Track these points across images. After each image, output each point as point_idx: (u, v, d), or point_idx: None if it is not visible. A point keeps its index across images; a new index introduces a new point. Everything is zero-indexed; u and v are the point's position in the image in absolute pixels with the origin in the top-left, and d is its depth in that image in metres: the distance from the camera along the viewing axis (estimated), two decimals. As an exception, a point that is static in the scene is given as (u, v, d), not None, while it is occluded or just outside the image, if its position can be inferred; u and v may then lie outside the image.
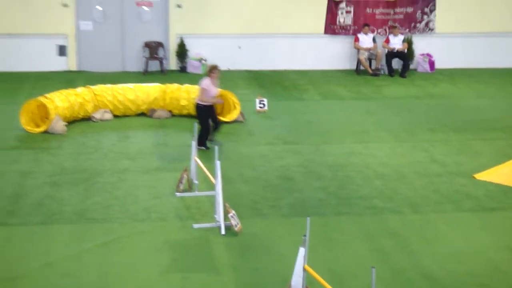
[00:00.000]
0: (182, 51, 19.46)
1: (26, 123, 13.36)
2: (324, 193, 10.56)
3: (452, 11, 20.53)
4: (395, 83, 18.87)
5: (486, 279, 8.00)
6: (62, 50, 19.19)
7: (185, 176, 10.35)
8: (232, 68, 19.49)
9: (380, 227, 9.37)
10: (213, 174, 9.22)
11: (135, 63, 19.48)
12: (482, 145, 13.08)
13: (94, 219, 9.47)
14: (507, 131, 13.99)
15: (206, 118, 12.36)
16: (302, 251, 6.93)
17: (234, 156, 12.09)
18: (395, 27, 20.09)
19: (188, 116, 14.50)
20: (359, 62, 20.04)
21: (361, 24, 20.12)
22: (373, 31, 20.23)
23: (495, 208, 10.16)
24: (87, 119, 14.26)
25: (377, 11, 20.40)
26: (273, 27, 19.87)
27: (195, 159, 10.24)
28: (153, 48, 19.43)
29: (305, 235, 6.85)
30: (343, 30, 20.31)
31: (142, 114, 14.72)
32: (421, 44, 20.47)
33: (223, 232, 8.96)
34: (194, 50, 19.56)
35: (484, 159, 12.23)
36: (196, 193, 10.27)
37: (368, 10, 20.34)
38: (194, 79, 17.50)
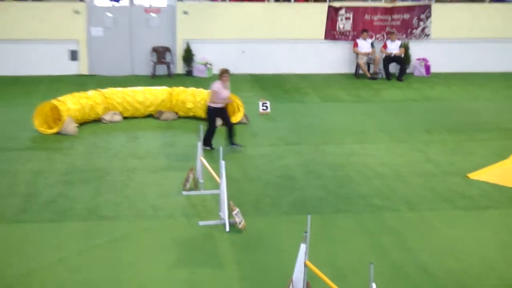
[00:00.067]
0: (188, 56, 19.48)
1: (39, 124, 13.38)
2: (324, 191, 10.55)
3: (447, 18, 20.57)
4: (392, 86, 18.88)
5: (480, 275, 7.98)
6: (74, 55, 19.23)
7: (191, 175, 10.34)
8: (236, 72, 19.43)
9: (379, 224, 9.35)
10: (218, 173, 9.22)
11: (144, 67, 19.52)
12: (475, 146, 13.06)
13: (104, 216, 9.47)
14: (499, 133, 13.98)
15: (215, 120, 12.31)
16: (303, 247, 6.91)
17: (238, 156, 12.08)
18: (393, 33, 20.11)
19: (194, 118, 14.52)
20: (358, 66, 20.05)
21: (360, 30, 20.15)
22: (371, 37, 20.26)
23: (488, 206, 10.14)
24: (98, 120, 14.27)
25: (375, 17, 20.42)
26: (275, 32, 19.90)
27: (201, 159, 10.24)
28: (161, 53, 19.45)
29: (306, 232, 6.84)
30: (343, 35, 20.32)
31: (150, 116, 14.73)
32: (418, 49, 20.51)
33: (227, 229, 8.96)
34: (200, 54, 19.59)
35: (478, 159, 12.21)
36: (202, 192, 10.27)
37: (367, 17, 20.36)
38: (199, 82, 17.56)
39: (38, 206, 9.75)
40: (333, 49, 20.39)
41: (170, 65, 19.43)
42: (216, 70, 19.42)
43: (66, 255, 8.25)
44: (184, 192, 10.28)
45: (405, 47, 20.15)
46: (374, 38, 20.35)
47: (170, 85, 15.35)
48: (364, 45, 19.99)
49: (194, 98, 14.48)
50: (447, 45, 20.70)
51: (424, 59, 20.43)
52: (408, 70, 20.24)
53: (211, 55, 19.65)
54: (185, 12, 19.46)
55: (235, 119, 14.12)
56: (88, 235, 8.82)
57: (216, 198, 9.56)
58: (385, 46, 19.99)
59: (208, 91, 14.50)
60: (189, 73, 19.59)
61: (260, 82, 18.61)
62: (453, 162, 12.04)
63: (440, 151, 12.71)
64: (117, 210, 9.68)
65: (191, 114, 14.60)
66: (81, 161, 11.77)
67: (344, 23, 20.25)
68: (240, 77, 18.90)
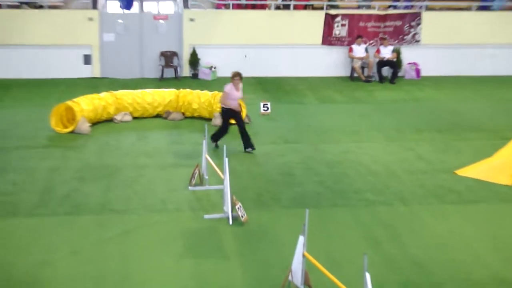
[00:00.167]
0: (194, 60, 19.49)
1: (55, 124, 13.39)
2: (321, 187, 10.53)
3: (436, 25, 20.58)
4: (385, 88, 18.87)
5: (467, 265, 7.97)
6: (87, 59, 19.23)
7: (197, 171, 10.33)
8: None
9: (372, 218, 9.34)
10: (222, 170, 9.21)
11: (152, 71, 19.54)
12: (463, 144, 13.05)
13: (116, 210, 9.46)
14: (485, 132, 13.97)
15: (227, 120, 12.17)
16: (301, 239, 6.92)
17: (241, 154, 12.07)
18: (385, 38, 20.11)
19: (199, 118, 14.53)
20: (353, 70, 20.05)
21: (354, 36, 20.15)
22: (365, 42, 20.25)
23: (474, 201, 10.12)
24: (109, 120, 14.28)
25: (369, 24, 20.42)
26: (276, 38, 19.90)
27: (206, 157, 10.23)
28: (168, 57, 19.46)
29: (304, 225, 6.84)
30: (339, 41, 20.31)
31: (158, 116, 14.74)
32: (409, 54, 20.50)
33: (230, 222, 8.95)
34: (205, 58, 19.60)
35: (465, 157, 12.19)
36: (207, 187, 10.26)
37: (361, 24, 20.36)
38: (204, 85, 17.57)
39: (54, 201, 9.75)
40: (329, 53, 20.39)
41: (177, 68, 19.44)
42: (220, 74, 19.53)
43: (80, 247, 8.25)
44: (190, 188, 10.27)
45: (397, 52, 20.13)
46: (368, 43, 20.35)
47: (177, 87, 15.35)
48: (359, 50, 19.99)
49: (199, 100, 14.49)
50: (436, 50, 20.70)
51: (414, 63, 20.42)
52: (399, 74, 20.22)
53: (216, 59, 19.65)
54: (192, 19, 19.47)
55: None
56: (101, 228, 8.82)
57: (220, 193, 9.56)
58: (378, 51, 20.00)
59: (212, 93, 14.57)
60: (195, 76, 19.59)
61: (261, 85, 18.59)
62: (442, 160, 12.03)
63: (429, 149, 12.70)
64: (127, 204, 9.68)
65: (196, 114, 14.61)
66: (94, 159, 11.77)
67: (340, 30, 20.24)
68: (243, 80, 18.78)
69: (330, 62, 20.37)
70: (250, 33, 19.78)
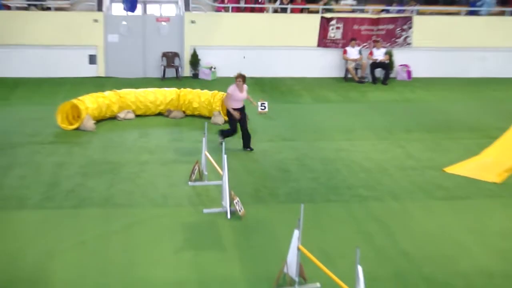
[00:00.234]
0: (195, 60, 19.46)
1: (61, 121, 13.38)
2: (316, 183, 10.55)
3: (426, 28, 20.58)
4: (377, 89, 18.87)
5: (454, 258, 8.01)
6: (92, 59, 19.21)
7: (196, 167, 10.34)
8: (238, 75, 19.47)
9: (364, 212, 9.36)
10: (221, 166, 9.22)
11: (155, 70, 19.51)
12: (451, 143, 13.06)
13: (119, 204, 9.47)
14: (472, 131, 13.98)
15: (234, 121, 11.98)
16: (296, 233, 6.93)
17: (239, 151, 12.07)
18: (378, 41, 20.10)
19: (199, 116, 14.52)
20: (347, 71, 20.05)
21: (349, 39, 20.14)
22: (359, 45, 20.24)
23: (462, 197, 10.15)
24: (113, 118, 14.27)
25: (363, 27, 20.41)
26: (273, 40, 19.89)
27: (205, 153, 10.24)
28: (170, 58, 19.44)
29: (299, 219, 6.85)
30: (334, 43, 20.30)
31: (160, 114, 14.73)
32: (400, 56, 20.49)
33: (229, 216, 8.96)
34: (205, 59, 19.57)
35: (453, 155, 12.21)
36: (206, 182, 10.26)
37: (355, 27, 20.34)
38: (204, 84, 17.55)
39: (60, 195, 9.75)
40: (325, 55, 20.37)
41: (178, 68, 19.41)
42: (219, 74, 19.53)
43: (85, 239, 8.26)
44: (190, 183, 10.28)
45: (389, 54, 20.13)
46: (361, 46, 20.33)
47: (178, 87, 15.34)
48: (353, 52, 19.99)
49: (200, 99, 14.49)
50: (426, 53, 20.70)
51: (406, 65, 20.42)
52: (391, 75, 20.22)
53: (215, 60, 19.63)
54: (192, 21, 19.45)
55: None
56: (105, 220, 8.83)
57: (219, 188, 9.56)
58: (371, 53, 20.00)
59: (212, 92, 14.56)
60: (195, 76, 19.58)
61: (259, 85, 18.57)
62: (431, 158, 12.05)
63: (420, 147, 12.71)
64: (130, 198, 9.68)
65: (196, 113, 14.61)
66: (98, 155, 11.77)
67: (335, 32, 20.23)
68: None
69: (325, 64, 20.36)
70: (249, 35, 19.77)
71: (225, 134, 12.13)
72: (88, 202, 9.49)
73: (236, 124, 12.03)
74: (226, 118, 13.98)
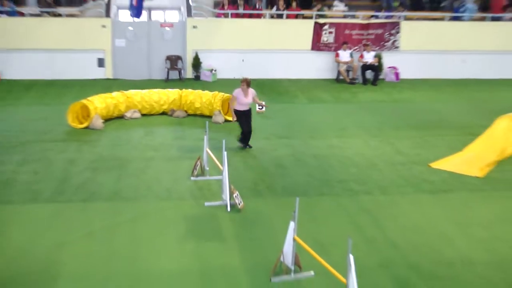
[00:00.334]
0: (196, 63, 19.45)
1: (72, 120, 13.36)
2: (310, 178, 10.54)
3: (413, 33, 20.59)
4: (368, 90, 18.86)
5: (439, 247, 8.01)
6: (101, 62, 19.18)
7: (198, 163, 10.33)
8: (237, 77, 19.41)
9: (355, 205, 9.35)
10: (221, 162, 9.21)
11: (159, 73, 19.49)
12: (436, 140, 13.06)
13: (126, 197, 9.46)
14: (456, 129, 13.98)
15: (243, 122, 11.88)
16: (292, 224, 6.93)
17: (238, 148, 12.06)
18: (368, 45, 20.10)
19: (201, 115, 14.51)
20: (339, 73, 20.04)
21: (340, 43, 20.13)
22: (350, 48, 20.23)
23: (446, 190, 10.14)
24: (120, 117, 14.25)
25: (354, 32, 20.40)
26: (270, 44, 19.88)
27: (207, 150, 10.22)
28: (173, 61, 19.42)
29: (294, 212, 6.84)
30: (326, 47, 20.29)
31: (164, 114, 14.71)
32: (389, 59, 20.50)
33: (228, 209, 8.96)
34: (206, 62, 19.56)
35: (438, 151, 12.21)
36: (207, 177, 10.26)
37: (347, 31, 20.33)
38: (206, 85, 17.54)
39: (70, 189, 9.74)
40: (318, 58, 20.36)
41: (181, 71, 19.40)
42: (219, 76, 19.53)
43: (94, 230, 8.26)
44: (193, 178, 10.27)
45: (379, 57, 20.13)
46: (352, 49, 20.33)
47: (180, 88, 15.32)
48: (344, 55, 19.98)
49: (201, 99, 14.48)
50: (413, 56, 20.70)
51: (394, 67, 20.42)
52: (381, 77, 20.23)
53: (216, 63, 19.61)
54: (194, 27, 19.43)
55: (232, 118, 14.10)
56: (112, 213, 8.82)
57: (219, 183, 9.55)
58: (362, 56, 19.99)
59: (212, 93, 14.54)
60: (197, 77, 19.56)
61: (257, 86, 18.47)
62: (418, 154, 12.04)
63: (407, 144, 12.71)
64: (136, 192, 9.67)
65: (198, 112, 14.59)
66: (106, 152, 11.75)
67: (327, 37, 20.22)
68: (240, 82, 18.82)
69: (318, 66, 20.35)
70: (247, 40, 19.75)
71: (242, 140, 12.03)
72: (96, 196, 9.47)
73: (243, 123, 11.89)
74: (227, 118, 14.00)
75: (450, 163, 11.39)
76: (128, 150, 11.85)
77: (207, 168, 10.33)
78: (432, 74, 20.81)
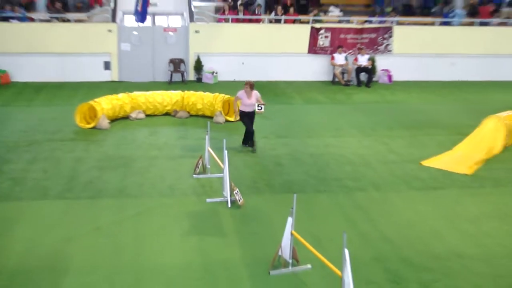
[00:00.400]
0: (198, 66, 19.45)
1: (79, 121, 13.36)
2: (306, 175, 10.54)
3: (405, 37, 20.62)
4: (362, 91, 18.86)
5: (429, 241, 8.02)
6: (107, 65, 19.17)
7: (200, 162, 10.33)
8: (237, 79, 19.47)
9: (350, 202, 9.35)
10: (222, 160, 9.20)
11: (163, 75, 19.49)
12: (427, 139, 13.07)
13: (131, 194, 9.45)
14: (446, 129, 13.99)
15: (246, 122, 11.80)
16: (290, 220, 6.93)
17: (238, 147, 12.06)
18: (362, 48, 20.11)
19: (203, 116, 14.50)
20: (334, 75, 20.04)
21: (336, 46, 20.14)
22: (345, 52, 20.24)
23: (436, 187, 10.15)
24: (126, 118, 14.25)
25: (349, 36, 20.40)
26: (269, 48, 19.89)
27: (208, 149, 10.22)
28: (176, 64, 19.41)
29: (292, 208, 6.84)
30: (322, 50, 20.29)
31: (167, 114, 14.70)
32: (382, 62, 20.51)
33: (229, 205, 8.96)
34: (208, 65, 19.56)
35: (429, 150, 12.22)
36: (209, 175, 10.25)
37: (342, 36, 20.34)
38: (207, 87, 17.55)
39: (78, 186, 9.74)
40: (314, 61, 20.37)
41: (184, 73, 19.40)
42: (220, 78, 19.53)
43: (101, 225, 8.26)
44: (195, 175, 10.27)
45: (372, 60, 20.14)
46: (347, 52, 20.33)
47: (183, 90, 15.32)
48: (340, 58, 19.98)
49: (203, 101, 14.47)
50: (405, 59, 20.72)
51: (387, 70, 20.43)
52: (374, 79, 20.25)
53: (217, 66, 19.62)
54: (196, 31, 19.42)
55: (236, 117, 14.11)
56: (118, 209, 8.82)
57: (220, 180, 9.55)
58: (356, 59, 20.00)
59: (213, 95, 14.53)
60: (199, 80, 19.56)
61: (256, 88, 18.45)
62: (410, 152, 12.04)
63: (399, 143, 12.71)
64: (141, 189, 9.67)
65: (200, 113, 14.59)
66: (113, 151, 11.75)
67: (323, 41, 20.22)
68: (240, 83, 18.71)
69: (314, 69, 20.36)
70: (247, 43, 19.75)
71: (245, 140, 11.98)
72: (103, 193, 9.47)
73: (248, 124, 11.78)
74: (227, 118, 14.02)
75: (440, 162, 11.39)
76: (133, 149, 11.85)
77: (209, 166, 10.33)
78: (423, 76, 20.84)
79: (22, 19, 18.86)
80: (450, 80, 20.85)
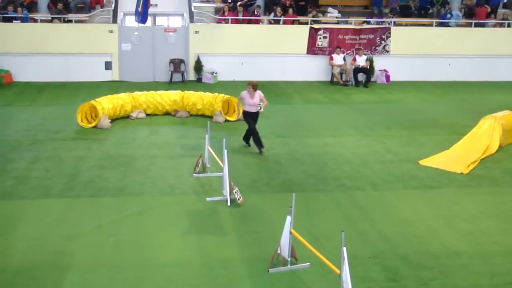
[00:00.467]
0: (198, 66, 19.43)
1: (80, 120, 13.36)
2: (305, 174, 10.54)
3: (402, 38, 20.61)
4: (360, 91, 18.86)
5: (426, 239, 8.03)
6: (108, 65, 19.16)
7: (200, 161, 10.33)
8: (236, 79, 19.47)
9: (348, 200, 9.36)
10: (222, 159, 9.21)
11: (163, 75, 19.48)
12: (424, 139, 13.07)
13: (132, 193, 9.46)
14: (443, 128, 14.00)
15: (249, 121, 11.67)
16: (288, 218, 6.94)
17: (237, 146, 12.06)
18: (360, 49, 20.10)
19: (202, 116, 14.50)
20: (333, 75, 20.04)
21: (334, 47, 20.13)
22: (343, 52, 20.23)
23: (433, 186, 10.16)
24: (126, 117, 14.24)
25: (347, 37, 20.39)
26: (268, 48, 19.87)
27: (208, 148, 10.23)
28: (176, 64, 19.40)
29: (291, 207, 6.85)
30: (321, 51, 20.28)
31: (168, 114, 14.70)
32: (380, 62, 20.50)
33: (229, 204, 8.96)
34: (208, 65, 19.55)
35: (426, 149, 12.22)
36: (209, 174, 10.25)
37: (340, 36, 20.33)
38: (207, 87, 17.55)
39: (80, 185, 9.74)
40: (313, 61, 20.36)
41: (184, 73, 19.39)
42: (220, 78, 19.53)
43: (102, 223, 8.26)
44: (195, 174, 10.27)
45: (370, 61, 20.13)
46: (345, 53, 20.32)
47: (183, 90, 15.31)
48: (338, 58, 19.97)
49: (202, 101, 14.46)
50: (403, 59, 20.71)
51: (385, 70, 20.42)
52: (372, 79, 20.23)
53: (217, 66, 19.60)
54: (196, 32, 19.41)
55: (234, 117, 14.13)
56: (119, 207, 8.82)
57: (220, 179, 9.55)
58: (354, 60, 19.99)
59: (213, 95, 14.52)
60: (199, 80, 19.54)
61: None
62: (407, 152, 12.05)
63: (397, 143, 12.71)
64: (141, 188, 9.67)
65: (200, 113, 14.58)
66: (113, 150, 11.75)
67: (322, 41, 20.21)
68: (240, 83, 18.76)
69: (313, 69, 20.34)
70: (246, 44, 19.74)
71: (247, 137, 11.94)
72: (104, 192, 9.47)
73: (250, 123, 11.66)
74: (227, 118, 14.02)
75: (437, 161, 11.40)
76: (134, 148, 11.85)
77: (209, 166, 10.33)
78: (421, 76, 20.83)
79: (24, 19, 18.85)
80: (447, 80, 20.86)
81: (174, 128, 13.58)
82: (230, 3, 20.79)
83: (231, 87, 17.83)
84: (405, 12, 22.13)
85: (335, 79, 19.96)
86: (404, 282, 6.91)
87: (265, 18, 20.38)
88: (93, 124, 13.27)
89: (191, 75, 19.63)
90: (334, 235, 7.78)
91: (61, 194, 9.32)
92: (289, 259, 7.04)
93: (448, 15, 21.38)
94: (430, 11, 22.70)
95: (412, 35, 20.70)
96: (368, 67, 19.91)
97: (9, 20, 18.70)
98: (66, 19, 19.20)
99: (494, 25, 21.76)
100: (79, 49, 18.79)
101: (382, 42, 20.53)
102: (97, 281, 6.75)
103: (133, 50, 19.24)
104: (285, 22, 20.23)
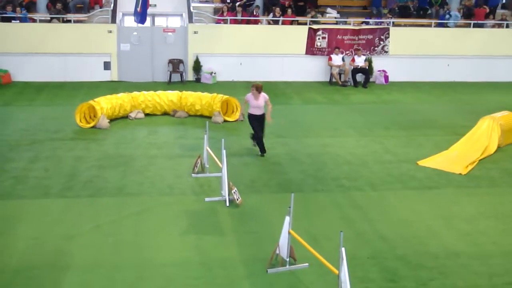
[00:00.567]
0: (197, 66, 19.43)
1: (79, 120, 13.35)
2: (304, 175, 10.54)
3: (401, 38, 20.62)
4: (359, 92, 18.87)
5: (425, 239, 8.03)
6: (107, 65, 19.15)
7: (199, 161, 10.33)
8: (235, 79, 19.48)
9: (347, 201, 9.36)
10: (221, 160, 9.21)
11: (162, 75, 19.47)
12: (423, 139, 13.08)
13: (131, 193, 9.45)
14: (442, 129, 14.00)
15: (253, 124, 11.47)
16: (287, 219, 6.94)
17: (236, 147, 12.06)
18: (359, 49, 20.11)
19: (201, 116, 14.49)
20: (331, 76, 20.04)
21: (333, 47, 20.13)
22: (342, 53, 20.24)
23: (432, 186, 10.17)
24: (125, 117, 14.23)
25: (346, 37, 20.40)
26: (267, 48, 19.87)
27: (207, 149, 10.22)
28: (175, 64, 19.40)
29: (290, 207, 6.85)
30: (320, 51, 20.28)
31: (166, 114, 14.69)
32: (378, 63, 20.50)
33: (227, 204, 8.96)
34: (207, 65, 19.54)
35: (425, 150, 12.23)
36: (207, 174, 10.25)
37: (339, 37, 20.33)
38: (206, 87, 17.54)
39: (78, 185, 9.73)
40: (312, 62, 20.36)
41: (183, 73, 19.38)
42: (219, 78, 19.52)
43: (101, 223, 8.26)
44: (193, 175, 10.27)
45: (369, 61, 20.13)
46: (344, 53, 20.33)
47: (182, 90, 15.30)
48: (337, 59, 19.98)
49: (201, 102, 14.44)
50: (401, 60, 20.72)
51: (383, 71, 20.43)
52: (371, 79, 20.24)
53: (216, 66, 19.60)
54: (195, 32, 19.40)
55: (233, 117, 14.12)
56: (118, 208, 8.82)
57: (219, 179, 9.55)
58: (353, 60, 19.99)
59: (211, 95, 14.51)
60: (198, 80, 19.54)
61: (254, 88, 18.52)
62: (406, 152, 12.06)
63: (396, 143, 12.72)
64: (140, 188, 9.67)
65: (198, 113, 14.57)
66: (112, 150, 11.74)
67: (321, 42, 20.21)
68: (238, 84, 18.86)
69: (312, 69, 20.35)
70: (245, 44, 19.73)
71: (252, 137, 11.80)
72: (103, 192, 9.47)
73: (255, 126, 11.48)
74: (226, 118, 14.02)
75: (436, 161, 11.41)
76: (133, 149, 11.84)
77: (207, 166, 10.32)
78: (419, 77, 20.84)
79: (23, 19, 18.83)
80: (446, 81, 20.86)
81: (173, 128, 13.57)
82: (229, 3, 20.79)
83: (230, 87, 17.84)
84: (403, 12, 22.15)
85: (334, 80, 19.96)
86: (403, 283, 6.91)
87: (264, 18, 20.39)
88: (91, 124, 13.26)
89: (190, 75, 19.62)
90: (333, 236, 7.78)
91: (60, 194, 9.31)
92: (287, 259, 7.04)
93: (447, 16, 21.41)
94: (429, 11, 22.72)
95: (411, 35, 20.72)
96: (367, 67, 19.92)
97: (8, 20, 18.70)
98: (65, 19, 19.19)
99: (493, 26, 21.78)
100: (78, 49, 18.78)
101: (381, 42, 20.54)
102: (96, 281, 6.75)
103: (132, 50, 19.24)
104: (284, 23, 20.23)
